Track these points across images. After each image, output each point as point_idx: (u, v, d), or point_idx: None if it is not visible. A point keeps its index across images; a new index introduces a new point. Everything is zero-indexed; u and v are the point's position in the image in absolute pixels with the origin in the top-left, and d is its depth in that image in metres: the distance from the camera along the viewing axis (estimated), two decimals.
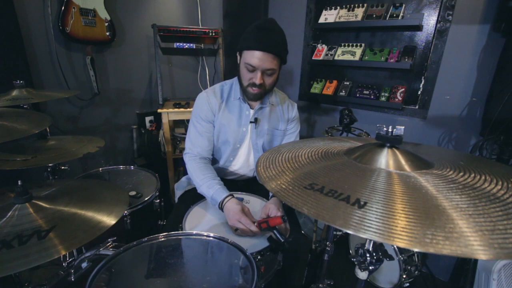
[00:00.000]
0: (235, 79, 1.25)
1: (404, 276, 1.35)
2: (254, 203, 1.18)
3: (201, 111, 1.21)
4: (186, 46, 2.38)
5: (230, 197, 1.04)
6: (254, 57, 1.03)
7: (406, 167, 0.57)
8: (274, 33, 1.05)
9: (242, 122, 1.23)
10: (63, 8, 1.77)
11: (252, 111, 1.23)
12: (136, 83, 2.34)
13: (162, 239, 0.84)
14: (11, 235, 0.60)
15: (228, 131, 1.22)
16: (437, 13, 1.56)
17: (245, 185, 1.36)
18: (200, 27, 2.28)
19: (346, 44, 1.90)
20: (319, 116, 2.20)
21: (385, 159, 0.60)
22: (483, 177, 0.54)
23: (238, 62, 1.15)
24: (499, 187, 0.50)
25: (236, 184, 1.35)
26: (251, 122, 1.23)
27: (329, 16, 1.91)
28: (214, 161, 1.33)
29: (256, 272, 0.70)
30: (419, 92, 1.70)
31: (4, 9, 1.59)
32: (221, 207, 1.03)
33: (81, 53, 1.98)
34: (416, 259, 1.40)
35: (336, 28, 1.96)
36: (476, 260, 1.21)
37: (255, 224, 0.93)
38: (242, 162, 1.31)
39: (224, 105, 1.22)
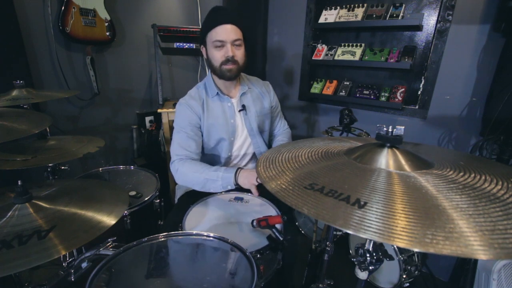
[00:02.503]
0: (206, 78, 1.30)
1: (404, 276, 1.35)
2: (254, 203, 1.17)
3: (184, 117, 1.21)
4: (186, 46, 2.38)
5: (240, 168, 1.12)
6: (219, 32, 1.10)
7: (406, 167, 0.58)
8: (228, 9, 1.16)
9: (227, 115, 1.26)
10: (63, 8, 1.77)
11: (234, 101, 1.27)
12: (136, 83, 2.33)
13: (162, 239, 0.84)
14: (11, 235, 0.60)
15: (218, 128, 1.25)
16: (437, 13, 1.56)
17: None
18: (200, 27, 2.28)
19: (346, 44, 1.90)
20: (319, 116, 2.20)
21: (385, 159, 0.60)
22: (483, 177, 0.54)
23: (205, 54, 1.20)
24: (499, 187, 0.50)
25: None
26: (240, 110, 1.26)
27: (329, 16, 1.91)
28: (214, 161, 1.33)
29: (256, 271, 0.70)
30: (419, 92, 1.70)
31: (4, 9, 1.59)
32: (236, 177, 1.09)
33: (81, 53, 1.98)
34: (416, 259, 1.40)
35: (336, 28, 1.96)
36: (476, 260, 1.21)
37: (254, 221, 0.94)
38: (242, 153, 1.33)
39: (205, 106, 1.24)
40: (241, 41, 1.14)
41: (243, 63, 1.19)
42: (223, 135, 1.25)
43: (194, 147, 1.21)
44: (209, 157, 1.33)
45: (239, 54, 1.15)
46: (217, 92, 1.23)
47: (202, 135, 1.27)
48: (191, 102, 1.22)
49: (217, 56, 1.14)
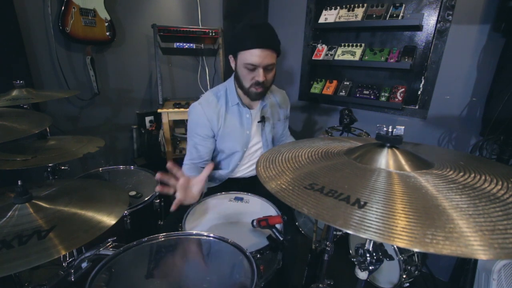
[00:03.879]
0: (227, 84, 1.23)
1: (404, 276, 1.35)
2: (254, 203, 1.17)
3: (197, 123, 1.19)
4: (186, 46, 2.38)
5: None
6: (254, 56, 1.03)
7: (406, 167, 0.57)
8: (267, 29, 1.07)
9: (244, 126, 1.23)
10: (63, 8, 1.77)
11: (253, 112, 1.24)
12: (136, 83, 2.33)
13: (162, 239, 0.84)
14: (11, 235, 0.60)
15: (233, 138, 1.22)
16: (437, 13, 1.56)
17: (250, 182, 1.37)
18: (200, 27, 2.28)
19: (346, 44, 1.90)
20: (319, 116, 2.20)
21: (385, 159, 0.60)
22: (483, 177, 0.54)
23: (233, 66, 1.14)
24: (499, 187, 0.50)
25: (239, 182, 1.36)
26: (259, 122, 1.24)
27: (329, 16, 1.91)
28: (223, 165, 1.33)
29: (256, 271, 0.70)
30: (419, 92, 1.70)
31: (4, 9, 1.59)
32: None
33: (81, 53, 1.98)
34: (416, 259, 1.40)
35: (336, 28, 1.96)
36: (476, 260, 1.21)
37: (254, 221, 0.94)
38: (250, 163, 1.34)
39: (223, 114, 1.20)
40: (274, 65, 1.09)
41: (271, 84, 1.17)
42: (236, 145, 1.24)
43: (201, 154, 1.22)
44: (219, 162, 1.34)
45: (270, 77, 1.11)
46: (238, 103, 1.20)
47: (216, 141, 1.25)
48: (206, 109, 1.18)
49: (247, 78, 1.09)
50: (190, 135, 1.23)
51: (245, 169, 1.35)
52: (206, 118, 1.17)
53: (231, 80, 1.22)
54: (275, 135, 1.36)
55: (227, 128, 1.21)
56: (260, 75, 1.06)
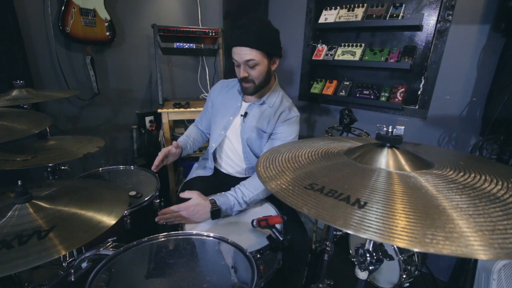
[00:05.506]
0: None
1: (404, 276, 1.35)
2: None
3: (211, 93, 1.43)
4: (186, 46, 2.38)
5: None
6: (234, 53, 1.14)
7: (406, 167, 0.57)
8: (249, 28, 1.10)
9: (231, 111, 1.31)
10: (63, 8, 1.77)
11: (244, 104, 1.30)
12: (136, 83, 2.33)
13: (162, 239, 0.84)
14: (11, 235, 0.60)
15: (218, 114, 1.35)
16: (437, 13, 1.56)
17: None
18: (200, 27, 2.28)
19: (346, 44, 1.90)
20: (319, 116, 2.20)
21: (385, 159, 0.60)
22: (483, 177, 0.54)
23: None
24: (499, 187, 0.50)
25: (231, 180, 1.34)
26: (241, 115, 1.28)
27: (329, 16, 1.91)
28: (209, 144, 1.43)
29: (256, 271, 0.70)
30: (419, 92, 1.70)
31: (4, 9, 1.59)
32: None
33: (81, 53, 1.98)
34: (416, 259, 1.40)
35: (336, 28, 1.96)
36: (476, 260, 1.21)
37: (254, 221, 0.94)
38: (230, 155, 1.35)
39: (225, 91, 1.37)
40: (255, 61, 1.12)
41: (260, 81, 1.18)
42: (218, 122, 1.33)
43: (201, 118, 1.52)
44: (209, 140, 1.45)
45: (254, 73, 1.15)
46: (238, 89, 1.32)
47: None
48: (223, 82, 1.42)
49: (236, 73, 1.21)
50: (206, 101, 1.46)
51: (228, 165, 1.39)
52: (218, 87, 1.42)
53: None
54: (253, 141, 1.27)
55: (219, 102, 1.37)
56: (241, 71, 1.15)
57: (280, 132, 1.25)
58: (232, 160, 1.36)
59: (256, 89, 1.20)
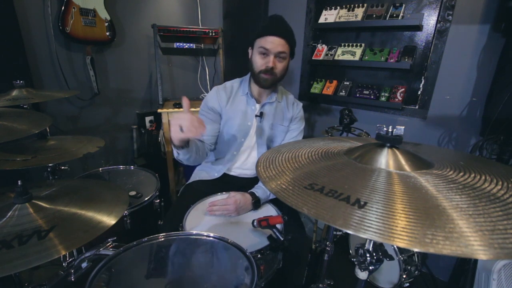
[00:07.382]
0: (246, 77, 1.32)
1: (404, 276, 1.35)
2: None
3: (209, 101, 1.30)
4: (186, 46, 2.38)
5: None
6: (267, 41, 1.12)
7: (406, 167, 0.57)
8: (284, 22, 1.18)
9: (248, 116, 1.28)
10: (63, 8, 1.77)
11: (258, 106, 1.29)
12: (136, 83, 2.33)
13: (162, 239, 0.84)
14: (11, 235, 0.60)
15: (234, 124, 1.28)
16: (437, 13, 1.56)
17: (249, 183, 1.37)
18: (200, 27, 2.28)
19: (346, 44, 1.90)
20: (319, 116, 2.20)
21: (385, 159, 0.60)
22: (483, 177, 0.54)
23: (250, 55, 1.23)
24: (499, 187, 0.50)
25: (238, 181, 1.35)
26: (256, 116, 1.27)
27: (329, 16, 1.91)
28: (220, 153, 1.36)
29: (256, 271, 0.70)
30: (419, 92, 1.70)
31: (4, 9, 1.59)
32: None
33: (81, 53, 1.98)
34: (416, 259, 1.40)
35: (336, 28, 1.96)
36: (476, 260, 1.21)
37: (255, 221, 0.94)
38: (245, 157, 1.34)
39: (231, 99, 1.29)
40: (285, 55, 1.17)
41: (281, 76, 1.21)
42: (235, 132, 1.29)
43: (207, 129, 1.31)
44: (219, 150, 1.36)
45: (280, 66, 1.18)
46: (247, 93, 1.28)
47: (221, 121, 1.32)
48: (221, 92, 1.29)
49: (259, 63, 1.17)
50: (201, 110, 1.32)
51: (239, 168, 1.36)
52: (218, 95, 1.28)
53: (247, 76, 1.32)
54: (273, 138, 1.34)
55: (232, 112, 1.28)
56: (270, 61, 1.14)
57: (295, 124, 1.35)
58: (244, 163, 1.35)
59: (273, 83, 1.21)
